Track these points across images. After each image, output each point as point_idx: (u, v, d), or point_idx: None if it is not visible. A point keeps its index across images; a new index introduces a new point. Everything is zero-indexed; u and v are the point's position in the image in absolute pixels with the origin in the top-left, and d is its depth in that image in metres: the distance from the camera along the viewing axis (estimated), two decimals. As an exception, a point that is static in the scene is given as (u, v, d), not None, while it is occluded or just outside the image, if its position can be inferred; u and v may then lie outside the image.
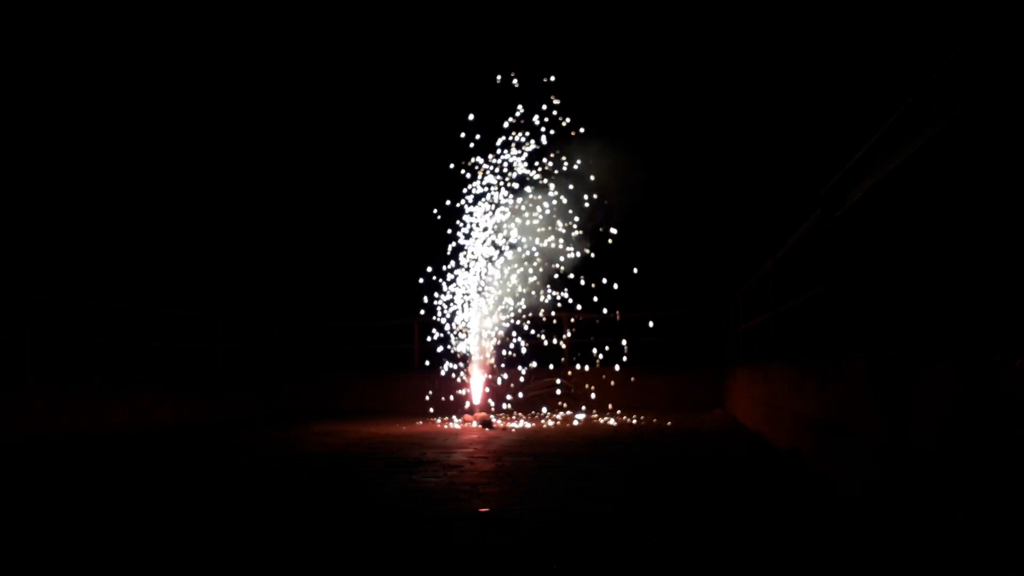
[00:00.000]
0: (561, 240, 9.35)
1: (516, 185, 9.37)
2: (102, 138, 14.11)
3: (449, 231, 9.41)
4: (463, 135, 9.04)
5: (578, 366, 10.78)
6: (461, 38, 14.05)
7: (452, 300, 9.60)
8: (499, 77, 9.12)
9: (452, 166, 9.10)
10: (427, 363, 10.88)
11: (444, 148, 9.36)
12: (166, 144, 14.83)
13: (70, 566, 2.54)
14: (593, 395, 10.48)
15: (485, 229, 9.38)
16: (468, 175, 9.26)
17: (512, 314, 9.69)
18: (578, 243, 9.33)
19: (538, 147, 9.26)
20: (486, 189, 9.31)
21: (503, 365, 10.15)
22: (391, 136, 15.34)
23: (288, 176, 16.00)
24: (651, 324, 10.35)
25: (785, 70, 10.86)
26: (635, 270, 9.38)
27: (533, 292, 9.54)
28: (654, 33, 11.96)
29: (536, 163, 9.31)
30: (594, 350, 10.66)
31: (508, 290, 9.45)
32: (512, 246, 9.37)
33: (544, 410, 10.11)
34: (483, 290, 9.46)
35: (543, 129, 9.21)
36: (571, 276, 9.43)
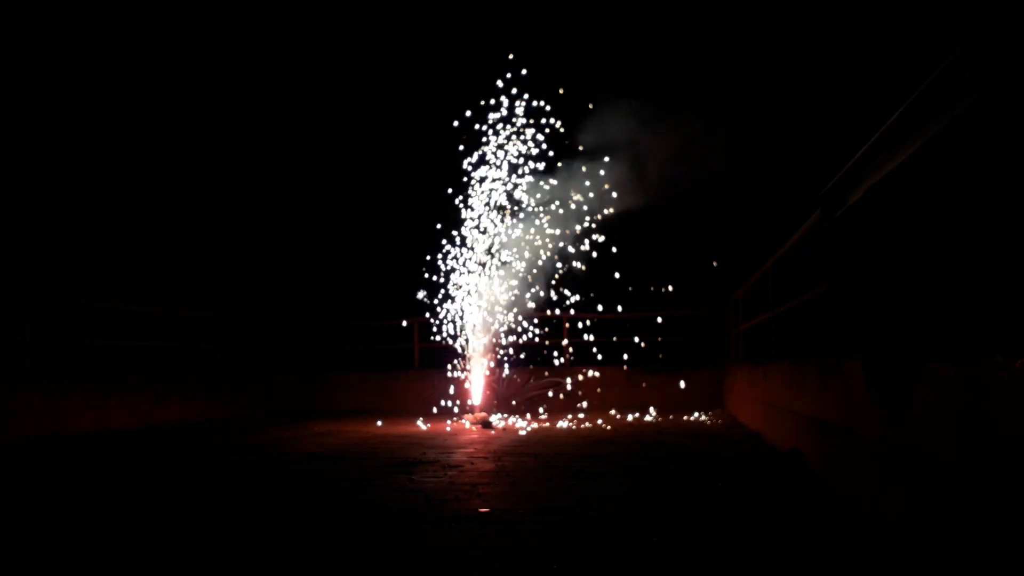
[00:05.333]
0: (561, 240, 9.35)
1: (516, 184, 9.37)
2: (102, 138, 14.10)
3: (450, 227, 9.42)
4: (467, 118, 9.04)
5: (578, 366, 10.77)
6: (458, 38, 14.05)
7: (452, 299, 9.60)
8: (499, 83, 9.12)
9: (467, 131, 9.06)
10: (427, 363, 10.88)
11: (442, 147, 9.37)
12: (166, 144, 14.82)
13: (67, 568, 2.53)
14: (593, 395, 10.48)
15: (484, 230, 9.38)
16: (470, 160, 9.24)
17: (513, 314, 9.68)
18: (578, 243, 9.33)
19: (537, 144, 9.27)
20: (486, 182, 9.31)
21: (503, 365, 10.15)
22: (390, 135, 15.34)
23: (287, 176, 15.99)
24: (651, 324, 10.36)
25: (785, 70, 10.85)
26: (636, 270, 9.39)
27: (533, 291, 9.54)
28: (654, 33, 11.96)
29: (535, 159, 9.31)
30: (594, 350, 10.66)
31: (508, 289, 9.45)
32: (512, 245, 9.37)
33: (544, 410, 10.10)
34: (483, 289, 9.45)
35: (542, 129, 9.21)
36: (573, 274, 9.43)
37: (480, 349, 9.60)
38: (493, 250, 9.43)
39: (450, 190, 9.31)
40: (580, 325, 10.80)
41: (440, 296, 9.63)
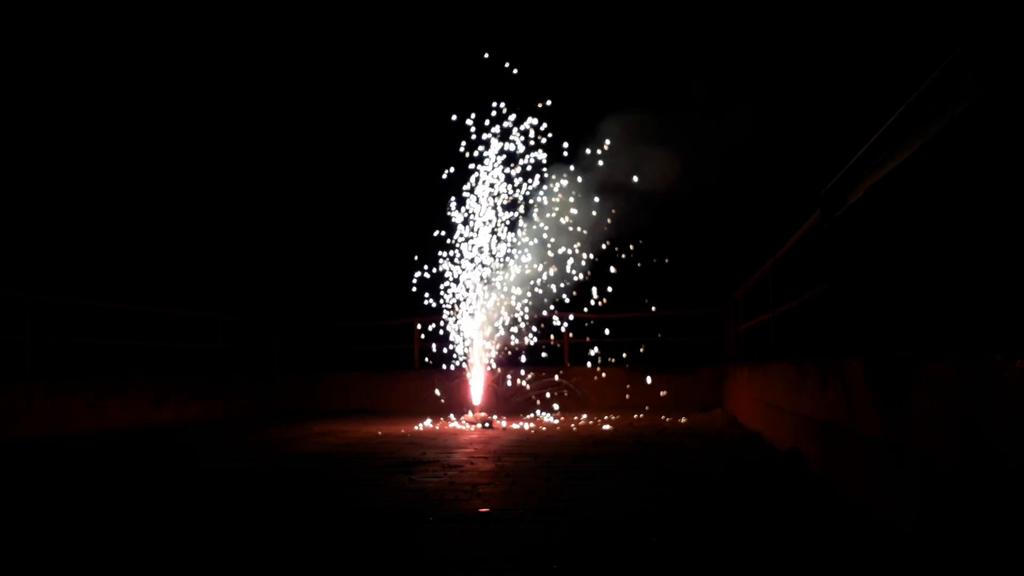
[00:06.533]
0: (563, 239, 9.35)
1: (517, 182, 9.37)
2: (102, 138, 14.10)
3: (451, 227, 9.43)
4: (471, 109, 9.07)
5: (578, 366, 10.77)
6: (456, 37, 14.05)
7: (452, 300, 9.60)
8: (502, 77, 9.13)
9: (469, 118, 9.06)
10: (427, 363, 10.87)
11: (442, 145, 9.37)
12: (166, 144, 14.83)
13: (67, 568, 2.53)
14: (593, 395, 10.47)
15: (486, 224, 9.38)
16: (472, 161, 9.24)
17: (513, 314, 9.68)
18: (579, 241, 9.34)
19: (537, 145, 9.27)
20: (487, 182, 9.31)
21: (503, 365, 10.14)
22: (390, 135, 15.34)
23: (287, 176, 15.99)
24: (652, 324, 10.36)
25: (785, 69, 10.86)
26: (636, 270, 9.40)
27: (535, 291, 9.54)
28: (655, 34, 11.97)
29: (536, 160, 9.31)
30: (594, 350, 10.66)
31: (509, 289, 9.45)
32: (512, 246, 9.38)
33: (544, 410, 10.10)
34: (484, 289, 9.45)
35: (539, 133, 9.22)
36: (573, 275, 9.44)
37: (480, 349, 9.60)
38: (495, 250, 9.43)
39: (450, 189, 9.32)
40: (580, 325, 10.80)
41: (440, 296, 9.63)
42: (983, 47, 2.16)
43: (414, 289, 9.56)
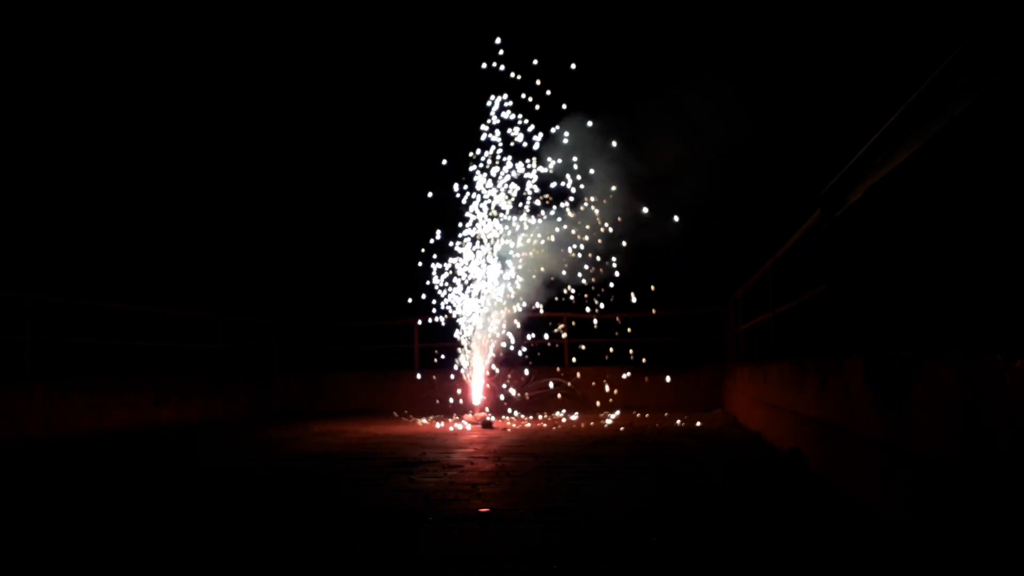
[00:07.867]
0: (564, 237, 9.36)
1: (517, 183, 9.37)
2: (102, 138, 14.10)
3: (452, 227, 9.43)
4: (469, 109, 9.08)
5: (578, 366, 10.77)
6: (454, 36, 14.04)
7: (452, 300, 9.60)
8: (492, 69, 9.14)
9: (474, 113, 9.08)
10: (427, 363, 10.88)
11: (442, 142, 9.38)
12: (166, 144, 14.83)
13: (68, 568, 2.53)
14: (593, 395, 10.47)
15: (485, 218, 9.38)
16: (473, 158, 9.25)
17: (513, 314, 9.68)
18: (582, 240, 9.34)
19: (535, 143, 9.28)
20: (487, 179, 9.31)
21: (503, 365, 10.14)
22: (391, 134, 15.34)
23: (287, 176, 15.99)
24: (652, 324, 10.35)
25: (785, 69, 10.86)
26: (636, 270, 9.41)
27: (535, 291, 9.54)
28: (654, 33, 11.97)
29: (536, 159, 9.32)
30: (594, 350, 10.66)
31: (509, 289, 9.45)
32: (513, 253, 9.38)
33: (544, 410, 10.10)
34: (483, 290, 9.45)
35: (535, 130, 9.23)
36: (573, 275, 9.44)
37: (480, 349, 9.60)
38: (495, 250, 9.43)
39: (454, 187, 9.33)
40: (580, 325, 10.80)
41: (441, 296, 9.63)
42: (983, 47, 2.16)
43: (414, 290, 9.56)
